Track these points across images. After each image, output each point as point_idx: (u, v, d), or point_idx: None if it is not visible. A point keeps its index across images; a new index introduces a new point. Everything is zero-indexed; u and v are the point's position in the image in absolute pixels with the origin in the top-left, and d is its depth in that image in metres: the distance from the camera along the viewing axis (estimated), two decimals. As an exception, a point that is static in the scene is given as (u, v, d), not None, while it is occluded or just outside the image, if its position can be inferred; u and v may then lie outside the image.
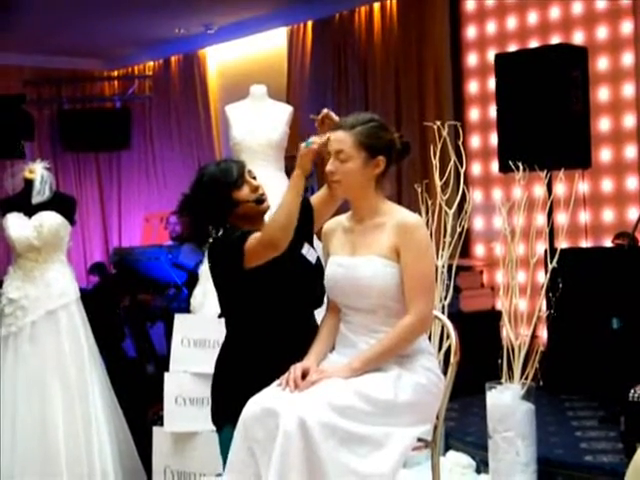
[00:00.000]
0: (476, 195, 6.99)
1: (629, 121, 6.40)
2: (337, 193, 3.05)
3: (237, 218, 3.15)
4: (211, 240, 3.19)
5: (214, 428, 3.19)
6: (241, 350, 3.11)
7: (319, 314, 3.20)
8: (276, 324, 3.08)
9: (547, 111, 5.60)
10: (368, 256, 2.95)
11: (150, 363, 7.01)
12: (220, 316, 3.24)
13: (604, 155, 6.46)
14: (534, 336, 4.39)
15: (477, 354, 4.56)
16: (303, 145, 3.02)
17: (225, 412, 3.07)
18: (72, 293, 4.97)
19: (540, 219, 4.65)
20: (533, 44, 6.70)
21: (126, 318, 7.74)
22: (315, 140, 3.01)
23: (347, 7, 8.23)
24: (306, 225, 3.19)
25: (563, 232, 4.48)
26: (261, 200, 3.20)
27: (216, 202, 3.14)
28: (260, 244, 2.99)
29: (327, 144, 3.00)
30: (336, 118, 3.18)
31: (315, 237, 3.31)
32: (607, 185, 6.49)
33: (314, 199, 3.29)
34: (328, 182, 3.05)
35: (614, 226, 6.29)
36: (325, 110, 3.25)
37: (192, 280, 6.06)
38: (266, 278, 3.03)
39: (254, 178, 3.23)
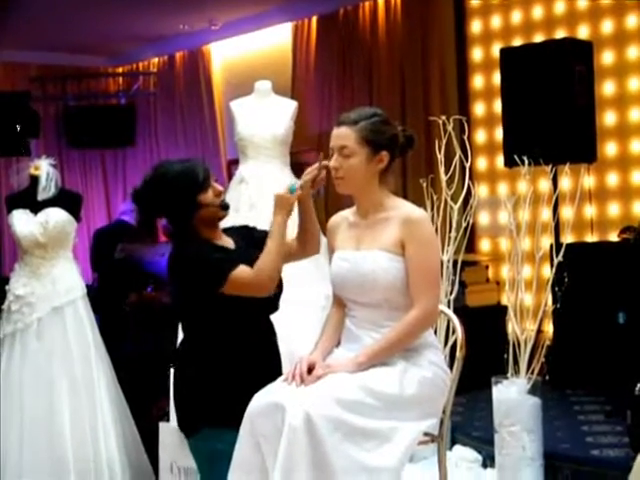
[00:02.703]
0: (481, 190, 6.99)
1: (634, 115, 6.38)
2: (341, 189, 3.04)
3: (197, 220, 3.11)
4: (173, 241, 3.16)
5: None
6: (206, 353, 3.09)
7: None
8: (234, 329, 3.08)
9: (552, 105, 5.59)
10: (373, 251, 2.95)
11: (156, 359, 7.01)
12: (177, 319, 3.22)
13: (609, 149, 6.45)
14: (540, 331, 4.39)
15: (483, 349, 4.56)
16: (286, 191, 3.04)
17: (205, 414, 3.05)
18: (78, 289, 4.98)
19: (545, 213, 4.65)
20: (538, 38, 6.67)
21: (132, 314, 7.75)
22: (300, 184, 3.04)
23: (352, 2, 8.22)
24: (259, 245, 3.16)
25: (569, 226, 4.48)
26: (225, 205, 3.16)
27: (181, 203, 3.08)
28: (249, 286, 3.00)
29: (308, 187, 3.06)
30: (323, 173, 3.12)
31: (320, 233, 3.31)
32: (613, 179, 6.48)
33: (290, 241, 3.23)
34: (333, 178, 3.04)
35: (620, 220, 6.28)
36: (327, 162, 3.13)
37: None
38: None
39: (216, 181, 3.19)
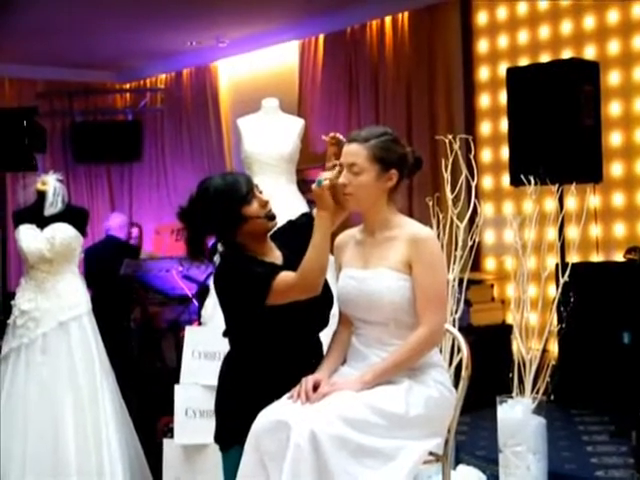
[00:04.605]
0: (487, 209, 6.99)
1: (641, 135, 6.40)
2: (349, 206, 3.05)
3: (244, 234, 3.07)
4: (219, 258, 3.12)
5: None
6: (250, 371, 3.06)
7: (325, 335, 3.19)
8: (284, 345, 3.04)
9: (558, 125, 5.60)
10: (380, 269, 2.95)
11: (160, 375, 7.01)
12: (225, 335, 3.19)
13: (615, 169, 6.46)
14: (545, 350, 4.38)
15: (488, 368, 4.55)
16: (315, 185, 2.95)
17: (236, 432, 2.99)
18: (84, 305, 4.97)
19: (551, 233, 4.65)
20: (545, 58, 6.70)
21: (137, 330, 7.75)
22: (326, 176, 2.96)
23: (358, 21, 8.25)
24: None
25: (574, 246, 4.48)
26: (272, 216, 3.11)
27: (225, 218, 3.03)
28: (295, 288, 2.93)
29: (338, 176, 2.97)
30: (343, 140, 3.18)
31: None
32: (618, 199, 6.49)
33: None
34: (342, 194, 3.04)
35: (625, 240, 6.28)
36: (335, 134, 3.26)
37: (203, 292, 6.06)
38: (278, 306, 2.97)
39: (260, 192, 3.14)
